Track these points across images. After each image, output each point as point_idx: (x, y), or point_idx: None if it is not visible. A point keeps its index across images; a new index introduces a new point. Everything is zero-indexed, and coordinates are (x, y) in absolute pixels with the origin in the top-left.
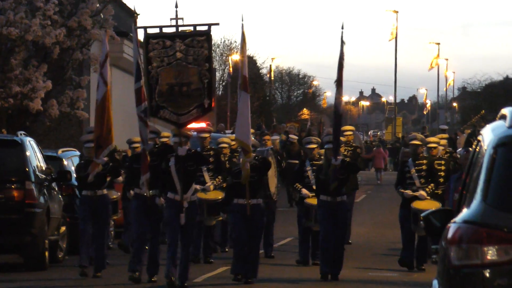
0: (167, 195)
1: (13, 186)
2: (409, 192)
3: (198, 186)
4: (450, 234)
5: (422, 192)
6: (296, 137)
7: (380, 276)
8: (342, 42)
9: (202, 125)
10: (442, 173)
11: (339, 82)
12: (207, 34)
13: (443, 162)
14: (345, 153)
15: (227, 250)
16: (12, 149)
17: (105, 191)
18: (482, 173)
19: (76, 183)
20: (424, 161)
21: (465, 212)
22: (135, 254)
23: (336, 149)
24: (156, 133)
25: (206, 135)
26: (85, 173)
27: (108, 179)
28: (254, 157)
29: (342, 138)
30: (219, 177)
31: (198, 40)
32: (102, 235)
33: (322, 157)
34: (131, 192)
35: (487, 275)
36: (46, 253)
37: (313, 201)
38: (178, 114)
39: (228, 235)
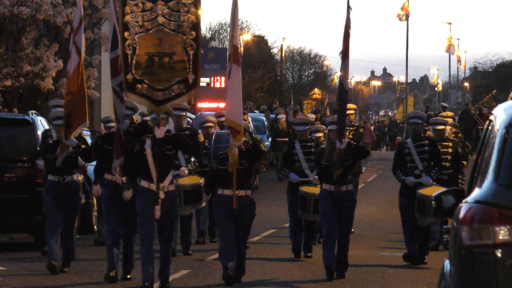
0: (141, 183)
1: (24, 166)
2: (411, 179)
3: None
4: (461, 214)
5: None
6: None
7: (391, 256)
8: (349, 7)
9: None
10: (449, 157)
11: (345, 53)
12: None
13: (450, 143)
14: (348, 135)
15: (215, 240)
16: (23, 128)
17: (75, 177)
18: (494, 153)
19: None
20: (426, 142)
21: (476, 192)
22: (109, 251)
23: (341, 131)
24: (133, 109)
25: (182, 113)
26: (52, 156)
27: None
28: (244, 141)
29: None
30: (194, 160)
31: (184, 3)
32: (71, 226)
33: (324, 140)
34: (98, 186)
35: (499, 255)
36: None
37: (309, 189)
38: (156, 90)
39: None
